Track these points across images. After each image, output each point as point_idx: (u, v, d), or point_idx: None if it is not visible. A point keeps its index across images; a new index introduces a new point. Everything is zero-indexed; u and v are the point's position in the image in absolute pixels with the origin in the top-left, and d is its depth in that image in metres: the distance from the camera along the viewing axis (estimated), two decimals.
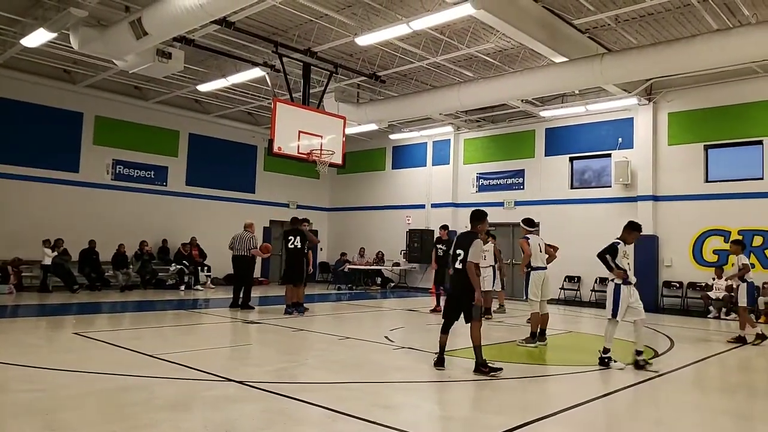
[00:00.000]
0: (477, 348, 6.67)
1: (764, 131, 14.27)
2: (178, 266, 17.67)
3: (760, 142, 14.41)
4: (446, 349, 7.04)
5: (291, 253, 12.03)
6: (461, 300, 6.83)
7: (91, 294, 15.13)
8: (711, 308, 14.03)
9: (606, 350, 7.32)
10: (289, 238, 12.02)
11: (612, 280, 7.74)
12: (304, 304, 12.06)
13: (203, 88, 15.99)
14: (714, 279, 14.24)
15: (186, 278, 17.60)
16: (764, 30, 10.22)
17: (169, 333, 9.69)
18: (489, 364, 6.55)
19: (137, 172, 18.50)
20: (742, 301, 9.96)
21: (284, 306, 11.90)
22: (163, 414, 4.69)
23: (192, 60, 14.38)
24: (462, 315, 6.85)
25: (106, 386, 5.59)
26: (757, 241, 14.09)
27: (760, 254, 14.00)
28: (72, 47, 11.93)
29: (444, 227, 13.71)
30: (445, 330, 6.97)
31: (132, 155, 18.37)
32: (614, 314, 7.50)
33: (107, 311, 12.48)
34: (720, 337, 11.18)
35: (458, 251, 6.87)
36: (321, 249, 22.63)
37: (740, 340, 9.87)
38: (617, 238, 8.07)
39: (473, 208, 7.35)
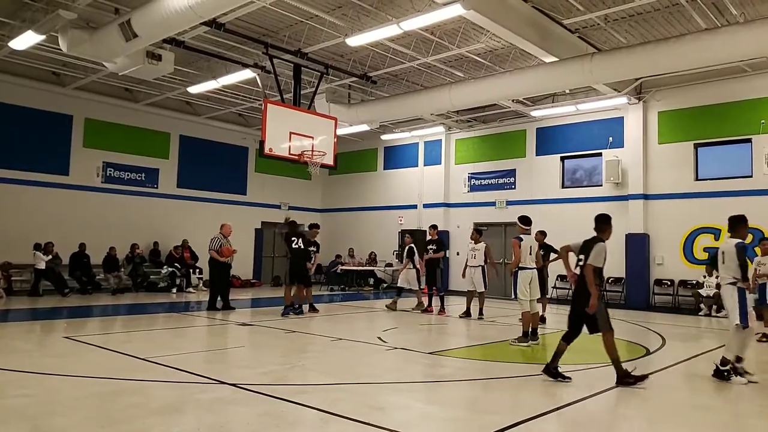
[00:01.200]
0: (615, 361, 6.29)
1: (753, 129, 14.37)
2: (170, 269, 17.60)
3: (749, 140, 14.51)
4: (442, 348, 7.01)
5: (296, 254, 12.18)
6: (581, 307, 6.49)
7: (82, 298, 15.05)
8: (702, 306, 14.10)
9: (726, 362, 6.60)
10: (292, 239, 12.15)
11: (734, 283, 6.65)
12: (315, 304, 12.44)
13: (194, 89, 15.93)
14: (705, 276, 14.31)
15: (178, 281, 17.53)
16: (752, 29, 10.30)
17: (162, 336, 9.65)
18: (633, 373, 6.20)
19: (128, 175, 18.41)
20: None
21: (283, 307, 11.94)
22: (156, 418, 4.67)
23: (182, 62, 14.32)
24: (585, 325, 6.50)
25: (97, 390, 5.55)
26: (748, 237, 14.12)
27: (750, 252, 14.02)
28: (61, 49, 11.86)
29: (433, 227, 13.71)
30: (566, 339, 6.60)
31: (122, 158, 18.27)
32: (744, 321, 6.52)
33: (98, 315, 12.40)
34: (710, 334, 11.26)
35: (581, 256, 6.60)
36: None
37: (766, 336, 9.79)
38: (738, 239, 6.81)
39: (598, 214, 6.96)
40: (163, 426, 4.46)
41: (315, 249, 13.06)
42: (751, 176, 14.41)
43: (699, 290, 14.30)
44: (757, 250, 11.36)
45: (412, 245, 13.73)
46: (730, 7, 11.13)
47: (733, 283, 6.64)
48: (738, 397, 6.18)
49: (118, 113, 18.09)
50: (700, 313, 13.99)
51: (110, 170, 18.00)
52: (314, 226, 13.35)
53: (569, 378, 6.31)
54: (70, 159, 17.19)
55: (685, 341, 10.08)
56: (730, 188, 14.59)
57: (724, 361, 6.56)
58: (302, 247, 12.19)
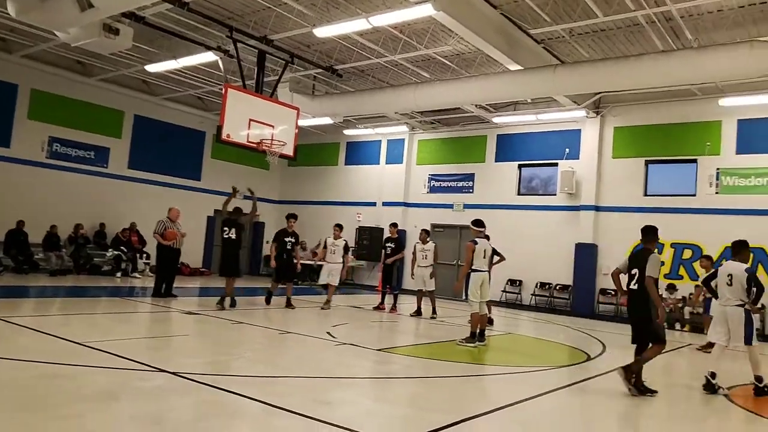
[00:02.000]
0: (640, 361, 6.41)
1: (699, 151, 14.95)
2: (115, 252, 17.05)
3: (695, 161, 15.07)
4: (391, 346, 7.00)
5: (226, 244, 11.50)
6: (641, 321, 6.51)
7: (18, 277, 14.37)
8: None
9: (760, 378, 6.74)
10: (225, 228, 11.45)
11: (741, 305, 6.87)
12: (235, 298, 11.37)
13: (152, 68, 15.48)
14: None
15: (123, 265, 16.99)
16: (704, 55, 10.70)
17: (102, 321, 9.32)
18: (645, 385, 6.30)
19: (76, 152, 17.69)
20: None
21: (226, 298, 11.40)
22: (88, 404, 4.48)
23: (141, 38, 13.83)
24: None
25: (28, 374, 5.30)
26: (687, 254, 14.74)
27: (689, 267, 14.62)
28: (9, 14, 11.26)
29: (393, 225, 13.67)
30: (638, 353, 6.61)
31: (71, 133, 17.53)
32: (750, 341, 6.78)
33: (35, 296, 11.93)
34: None
35: (633, 270, 6.60)
36: (267, 242, 22.30)
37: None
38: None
39: (645, 225, 7.06)
40: (96, 413, 4.28)
41: (294, 241, 12.16)
42: (695, 195, 14.97)
43: None
44: (695, 265, 11.76)
45: (346, 240, 13.11)
46: (686, 31, 11.48)
47: (741, 305, 6.86)
48: (671, 402, 6.37)
49: (68, 86, 17.34)
50: None
51: (57, 146, 17.25)
52: (291, 217, 12.29)
53: (656, 391, 6.31)
54: (12, 130, 16.34)
55: (625, 349, 10.28)
56: (675, 205, 15.13)
57: (759, 378, 6.70)
58: (233, 237, 11.34)
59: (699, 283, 7.07)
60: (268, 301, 11.85)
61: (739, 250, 7.27)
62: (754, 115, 14.22)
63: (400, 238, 13.70)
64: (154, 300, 11.78)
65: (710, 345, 10.00)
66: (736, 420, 5.97)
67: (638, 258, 6.62)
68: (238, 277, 11.64)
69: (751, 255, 8.05)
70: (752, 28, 11.29)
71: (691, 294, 13.92)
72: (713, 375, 6.67)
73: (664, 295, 14.43)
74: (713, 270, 8.35)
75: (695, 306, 13.71)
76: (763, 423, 5.94)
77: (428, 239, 12.76)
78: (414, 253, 12.82)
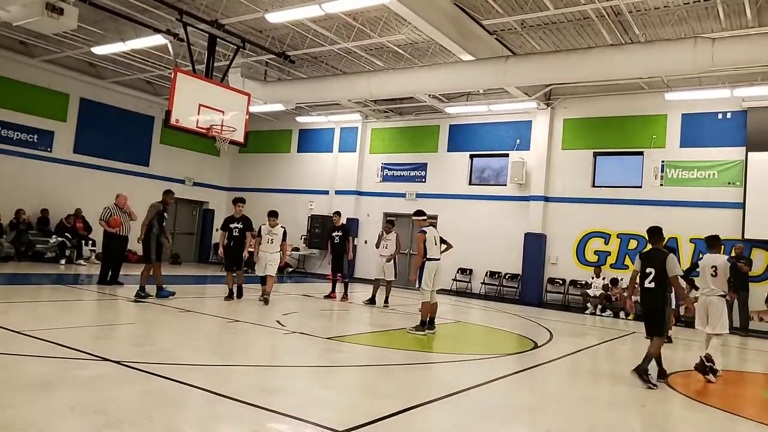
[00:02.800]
0: (649, 357, 6.70)
1: (645, 143, 15.38)
2: (60, 239, 16.53)
3: (641, 153, 15.51)
4: (341, 334, 7.00)
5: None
6: (656, 316, 6.89)
7: None
8: (589, 305, 14.93)
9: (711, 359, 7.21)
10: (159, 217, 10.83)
11: (723, 295, 7.51)
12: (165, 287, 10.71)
13: (98, 50, 15.00)
14: (593, 278, 15.18)
15: (68, 252, 16.50)
16: (650, 50, 11.00)
17: (43, 309, 9.04)
18: (649, 377, 6.53)
19: (17, 135, 17.01)
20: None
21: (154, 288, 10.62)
22: (24, 394, 4.35)
23: (87, 19, 13.37)
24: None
25: None
26: (633, 244, 15.18)
27: (634, 257, 14.98)
28: None
29: (337, 213, 13.65)
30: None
31: (12, 116, 16.83)
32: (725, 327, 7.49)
33: None
34: (594, 331, 11.94)
35: (648, 269, 6.87)
36: (217, 230, 21.96)
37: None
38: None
39: (651, 225, 7.50)
40: (33, 403, 4.16)
41: (242, 227, 11.45)
42: (641, 187, 15.41)
43: (587, 290, 15.15)
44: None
45: (285, 227, 11.82)
46: (634, 26, 11.80)
47: (723, 296, 7.43)
48: (614, 388, 6.59)
49: (9, 67, 16.64)
50: (586, 312, 14.81)
51: None
52: (238, 201, 11.59)
53: (656, 386, 6.54)
54: None
55: (571, 337, 10.64)
56: (622, 196, 15.57)
57: (709, 357, 7.16)
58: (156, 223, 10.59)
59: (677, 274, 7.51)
60: (232, 296, 11.26)
61: (714, 243, 7.94)
62: (697, 109, 14.70)
63: (347, 226, 13.60)
64: (100, 288, 11.52)
65: None
66: (676, 405, 6.20)
67: (653, 258, 6.96)
68: (154, 263, 10.63)
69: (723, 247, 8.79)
70: (696, 25, 11.69)
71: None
72: (708, 358, 7.14)
73: (608, 284, 14.90)
74: (693, 263, 8.88)
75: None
76: (699, 408, 6.19)
77: (392, 229, 12.81)
78: (378, 239, 12.88)
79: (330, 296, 13.18)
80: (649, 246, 7.23)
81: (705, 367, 7.06)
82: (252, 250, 11.70)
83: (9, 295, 10.06)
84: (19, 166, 16.91)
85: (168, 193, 11.17)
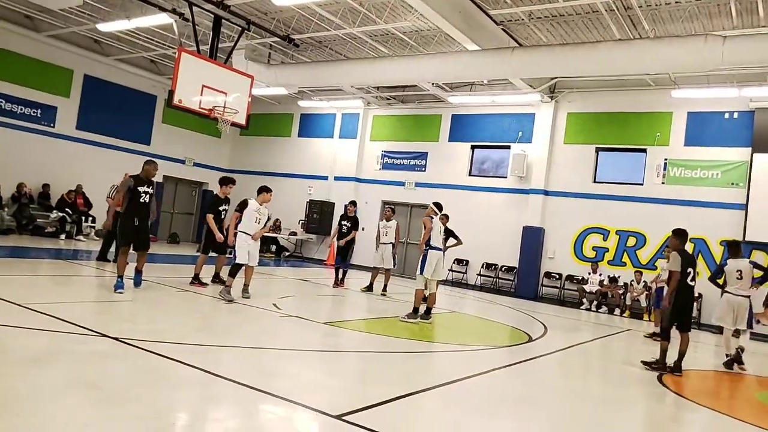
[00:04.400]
0: (683, 354, 7.22)
1: (649, 141, 15.32)
2: (60, 214, 16.55)
3: (644, 150, 15.47)
4: (336, 320, 7.03)
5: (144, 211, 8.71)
6: (691, 313, 7.54)
7: None
8: (584, 300, 14.99)
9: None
10: (143, 189, 8.66)
11: (748, 296, 8.33)
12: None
13: (104, 27, 14.92)
14: (590, 273, 15.22)
15: (68, 227, 16.53)
16: (660, 46, 10.93)
17: (43, 282, 9.08)
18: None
19: (21, 109, 16.98)
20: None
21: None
22: (20, 367, 4.38)
23: None
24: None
25: None
26: (631, 241, 15.20)
27: (632, 254, 15.13)
28: None
29: (352, 203, 13.37)
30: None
31: (16, 89, 16.80)
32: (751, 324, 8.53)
33: None
34: (588, 327, 12.02)
35: (689, 269, 7.28)
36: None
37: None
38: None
39: (682, 230, 7.70)
40: (28, 377, 4.19)
41: (222, 206, 10.18)
42: (642, 184, 15.38)
43: (584, 286, 15.19)
44: (638, 252, 12.09)
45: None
46: (643, 21, 11.73)
47: (748, 296, 8.26)
48: (606, 383, 6.64)
49: (15, 41, 16.57)
50: (582, 307, 14.87)
51: (1, 101, 16.56)
52: (226, 182, 10.40)
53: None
54: None
55: (565, 332, 10.70)
56: (623, 193, 15.54)
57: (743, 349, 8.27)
58: (146, 201, 8.66)
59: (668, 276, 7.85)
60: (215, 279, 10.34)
61: (737, 249, 8.64)
62: (704, 108, 14.59)
63: (356, 218, 13.32)
64: (99, 264, 11.50)
65: (657, 334, 10.43)
66: (667, 403, 6.25)
67: (690, 258, 7.42)
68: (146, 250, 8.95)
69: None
70: (707, 22, 11.62)
71: (632, 281, 14.40)
72: (742, 349, 8.20)
73: (605, 283, 14.92)
74: (718, 267, 9.25)
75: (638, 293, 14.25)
76: (691, 407, 6.25)
77: (392, 217, 12.79)
78: (378, 230, 12.83)
79: (338, 285, 12.81)
80: (680, 246, 7.58)
81: (740, 357, 7.95)
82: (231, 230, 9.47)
83: (9, 267, 10.11)
84: (21, 140, 16.90)
85: (149, 162, 8.96)
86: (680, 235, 7.55)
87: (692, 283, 7.29)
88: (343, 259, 13.03)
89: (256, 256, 9.42)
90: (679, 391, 6.52)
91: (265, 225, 9.52)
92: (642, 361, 7.45)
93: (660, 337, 7.47)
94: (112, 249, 11.08)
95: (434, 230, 9.21)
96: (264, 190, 9.64)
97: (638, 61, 11.36)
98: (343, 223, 13.04)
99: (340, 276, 13.04)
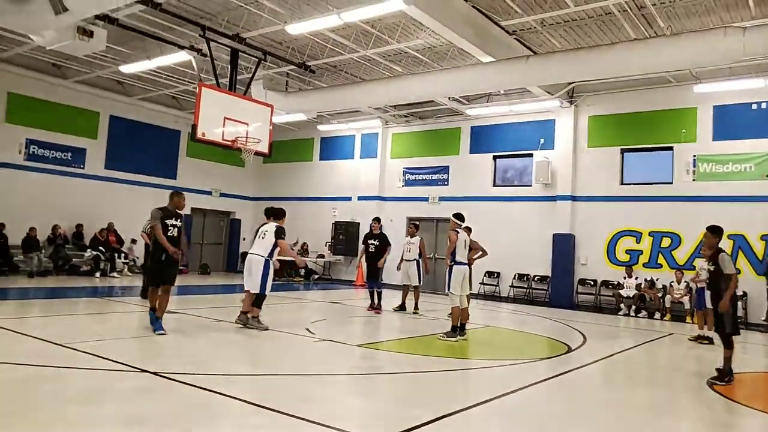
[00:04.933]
0: (727, 360, 6.83)
1: (675, 138, 15.10)
2: (94, 252, 16.93)
3: (671, 148, 15.23)
4: (370, 341, 6.99)
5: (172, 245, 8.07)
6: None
7: None
8: (622, 306, 14.72)
9: None
10: (166, 222, 8.12)
11: None
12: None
13: (126, 69, 15.34)
14: (625, 278, 14.96)
15: (102, 265, 16.88)
16: (677, 42, 10.79)
17: (82, 321, 9.26)
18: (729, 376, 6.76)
19: (53, 153, 17.57)
20: (710, 303, 10.25)
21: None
22: (72, 407, 4.48)
23: (115, 39, 13.72)
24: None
25: (9, 376, 5.28)
26: (666, 242, 14.92)
27: (668, 255, 14.83)
28: None
29: (376, 220, 12.84)
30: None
31: (48, 135, 17.43)
32: None
33: (14, 297, 11.77)
34: (629, 333, 11.78)
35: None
36: (244, 239, 22.26)
37: (706, 339, 10.10)
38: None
39: (709, 225, 7.47)
40: (80, 415, 4.29)
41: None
42: (672, 183, 15.13)
43: (620, 291, 14.92)
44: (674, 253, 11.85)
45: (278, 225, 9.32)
46: (658, 19, 11.63)
47: None
48: (653, 391, 6.50)
49: (44, 89, 17.21)
50: (620, 313, 14.60)
51: (34, 147, 17.13)
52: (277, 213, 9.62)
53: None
54: None
55: (605, 340, 10.49)
56: (652, 193, 15.29)
57: None
58: (174, 234, 8.12)
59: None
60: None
61: None
62: (729, 101, 14.32)
63: (384, 234, 12.65)
64: (142, 301, 11.30)
65: (702, 337, 10.21)
66: (720, 410, 6.05)
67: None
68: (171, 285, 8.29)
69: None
70: (725, 14, 11.45)
71: (672, 282, 14.06)
72: None
73: (643, 286, 14.61)
74: (766, 263, 8.80)
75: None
76: (745, 412, 6.06)
77: (416, 233, 12.68)
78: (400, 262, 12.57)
79: (374, 309, 12.18)
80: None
81: None
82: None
83: (49, 308, 10.36)
84: (54, 183, 17.44)
85: (177, 194, 8.55)
86: (717, 231, 7.20)
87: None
88: (374, 279, 12.44)
89: (256, 279, 8.82)
90: (731, 396, 6.32)
91: (277, 238, 8.87)
92: (709, 381, 6.80)
93: (724, 346, 6.88)
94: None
95: (459, 243, 9.15)
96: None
97: (656, 60, 11.21)
98: (369, 242, 12.39)
99: (376, 300, 12.22)
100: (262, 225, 9.38)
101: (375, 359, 7.47)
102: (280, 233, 8.95)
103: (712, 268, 7.05)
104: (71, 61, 16.24)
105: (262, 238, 8.95)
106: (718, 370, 6.85)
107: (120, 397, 4.90)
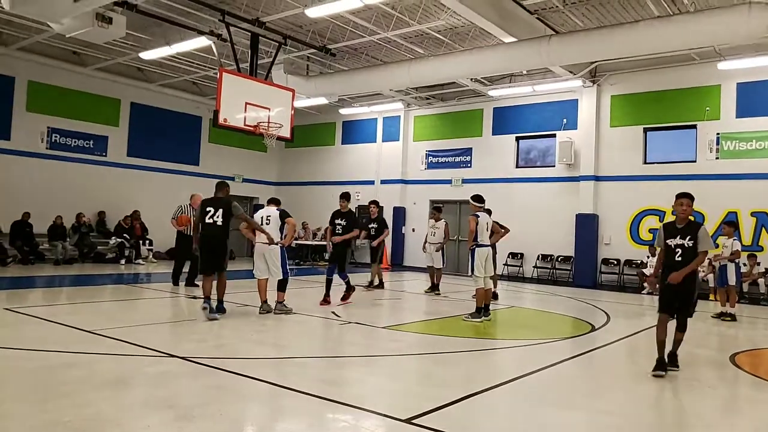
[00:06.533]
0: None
1: (698, 116, 14.86)
2: (119, 239, 17.17)
3: (694, 127, 15.01)
4: (396, 323, 7.00)
5: (209, 232, 8.35)
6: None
7: (24, 268, 14.52)
8: (645, 285, 14.61)
9: None
10: (208, 210, 8.38)
11: None
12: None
13: (146, 55, 15.40)
14: (648, 257, 14.82)
15: (126, 252, 17.13)
16: (701, 19, 10.60)
17: (109, 308, 9.43)
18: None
19: (75, 142, 17.76)
20: (732, 280, 10.29)
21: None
22: (103, 392, 4.57)
23: (134, 26, 13.78)
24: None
25: (41, 364, 5.40)
26: None
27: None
28: (3, 7, 11.23)
29: (374, 203, 13.20)
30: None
31: (69, 123, 17.61)
32: None
33: (42, 285, 12.02)
34: (652, 311, 11.65)
35: None
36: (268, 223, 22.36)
37: (729, 316, 10.16)
38: None
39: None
40: (111, 400, 4.38)
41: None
42: (695, 161, 14.92)
43: (643, 270, 14.81)
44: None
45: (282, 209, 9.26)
46: None
47: None
48: (674, 371, 6.45)
49: (64, 77, 17.36)
50: (643, 292, 14.51)
51: (56, 136, 17.34)
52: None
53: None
54: (11, 123, 16.44)
55: (629, 318, 10.45)
56: (675, 172, 15.09)
57: None
58: (218, 222, 8.28)
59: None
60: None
61: None
62: (753, 77, 14.11)
63: (382, 218, 13.08)
64: (173, 288, 11.49)
65: (725, 314, 10.15)
66: (745, 385, 6.03)
67: None
68: (224, 272, 8.62)
69: None
70: None
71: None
72: None
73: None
74: None
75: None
76: (765, 385, 6.02)
77: (440, 217, 12.84)
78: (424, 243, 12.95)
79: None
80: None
81: None
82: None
83: (76, 296, 10.55)
84: (77, 172, 17.65)
85: (220, 186, 8.76)
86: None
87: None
88: (374, 260, 12.80)
89: (259, 267, 8.93)
90: (754, 372, 6.29)
91: (283, 222, 8.91)
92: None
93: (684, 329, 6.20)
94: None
95: (480, 227, 9.11)
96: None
97: (680, 37, 11.03)
98: (370, 226, 12.65)
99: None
100: (258, 211, 9.36)
101: (401, 341, 7.51)
102: (286, 213, 9.05)
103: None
104: (91, 49, 16.33)
105: (267, 224, 8.91)
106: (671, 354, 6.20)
107: (150, 381, 4.98)
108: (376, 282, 12.93)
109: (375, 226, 12.82)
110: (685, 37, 11.05)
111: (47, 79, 17.05)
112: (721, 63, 13.77)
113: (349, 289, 10.47)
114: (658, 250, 6.35)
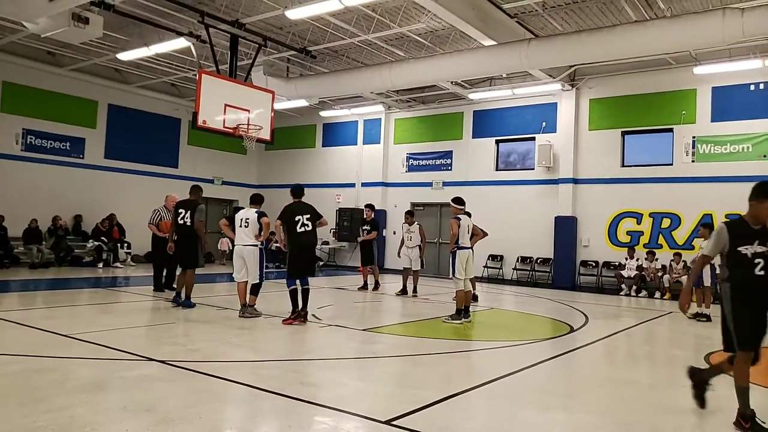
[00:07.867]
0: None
1: (675, 120, 15.09)
2: (96, 243, 16.93)
3: (671, 130, 15.23)
4: (376, 326, 7.03)
5: (180, 231, 9.60)
6: None
7: None
8: (623, 286, 14.78)
9: None
10: (180, 211, 9.69)
11: None
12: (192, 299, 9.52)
13: (124, 56, 15.23)
14: (626, 259, 15.00)
15: (104, 255, 16.89)
16: (677, 24, 10.79)
17: (86, 312, 9.29)
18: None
19: (51, 143, 17.47)
20: (707, 281, 10.41)
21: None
22: (80, 395, 4.50)
23: (112, 26, 13.62)
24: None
25: (14, 369, 5.30)
26: (666, 223, 14.96)
27: (668, 236, 14.88)
28: None
29: (369, 206, 13.79)
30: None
31: (45, 125, 17.31)
32: None
33: (17, 289, 11.81)
34: (630, 312, 11.83)
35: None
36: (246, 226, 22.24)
37: (704, 316, 10.26)
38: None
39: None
40: (88, 404, 4.31)
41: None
42: (672, 164, 15.14)
43: (621, 272, 14.98)
44: (674, 233, 11.89)
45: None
46: (659, 1, 11.57)
47: None
48: (652, 371, 6.54)
49: (40, 78, 17.07)
50: (621, 293, 14.68)
51: (31, 138, 17.04)
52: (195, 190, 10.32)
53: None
54: None
55: (607, 319, 10.56)
56: (652, 175, 15.32)
57: None
58: (188, 223, 9.57)
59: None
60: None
61: None
62: (728, 82, 14.36)
63: (376, 221, 13.71)
64: (156, 293, 11.30)
65: (700, 315, 10.29)
66: (720, 384, 6.10)
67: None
68: (193, 269, 9.63)
69: None
70: None
71: (672, 261, 14.15)
72: None
73: (644, 260, 14.68)
74: None
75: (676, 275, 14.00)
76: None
77: (413, 221, 12.92)
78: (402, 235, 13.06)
79: (363, 288, 13.29)
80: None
81: None
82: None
83: (52, 300, 10.38)
84: (53, 174, 17.36)
85: (193, 189, 10.18)
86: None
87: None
88: (369, 261, 13.34)
89: (238, 269, 9.08)
90: (727, 371, 6.36)
91: (259, 223, 9.01)
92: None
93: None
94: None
95: (462, 229, 9.17)
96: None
97: (656, 42, 11.21)
98: (362, 228, 13.49)
99: (373, 280, 13.42)
100: (238, 212, 9.45)
101: (381, 343, 7.51)
102: (263, 213, 9.14)
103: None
104: (67, 49, 16.10)
105: (246, 226, 8.96)
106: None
107: (127, 385, 4.92)
108: (401, 286, 12.90)
109: (367, 228, 13.27)
110: (662, 42, 11.23)
111: (22, 79, 16.75)
112: (697, 67, 14.02)
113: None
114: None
